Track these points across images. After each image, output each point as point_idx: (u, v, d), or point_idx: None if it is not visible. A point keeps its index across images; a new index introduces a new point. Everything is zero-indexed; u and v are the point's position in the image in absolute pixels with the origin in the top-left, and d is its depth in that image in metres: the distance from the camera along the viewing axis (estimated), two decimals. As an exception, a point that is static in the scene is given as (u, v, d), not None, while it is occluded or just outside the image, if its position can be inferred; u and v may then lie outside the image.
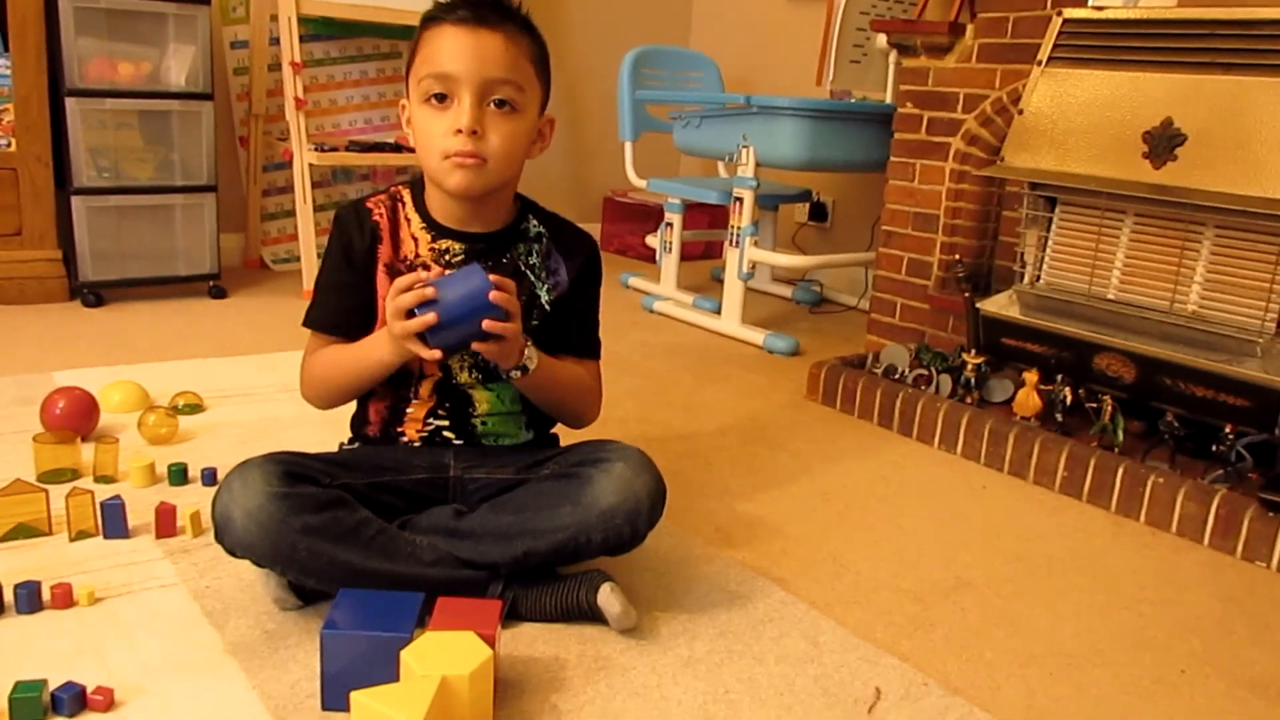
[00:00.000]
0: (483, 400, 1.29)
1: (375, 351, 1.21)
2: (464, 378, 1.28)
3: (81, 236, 2.57)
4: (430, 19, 1.20)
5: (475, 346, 1.15)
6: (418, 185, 1.28)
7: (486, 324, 1.11)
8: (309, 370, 1.28)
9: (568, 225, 1.35)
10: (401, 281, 1.14)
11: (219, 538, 1.12)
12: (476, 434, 1.30)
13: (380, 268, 1.26)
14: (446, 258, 1.26)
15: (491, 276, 1.13)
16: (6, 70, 2.45)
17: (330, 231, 1.28)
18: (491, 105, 1.18)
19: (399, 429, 1.29)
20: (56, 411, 1.64)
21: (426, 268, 1.25)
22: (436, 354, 1.13)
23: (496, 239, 1.28)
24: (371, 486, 1.21)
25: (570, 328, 1.32)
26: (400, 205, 1.28)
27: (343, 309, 1.27)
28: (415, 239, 1.26)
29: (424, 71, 1.18)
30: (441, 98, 1.17)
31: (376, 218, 1.26)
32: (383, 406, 1.30)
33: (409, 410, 1.29)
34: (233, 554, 1.12)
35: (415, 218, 1.27)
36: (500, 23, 1.18)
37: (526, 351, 1.20)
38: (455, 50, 1.16)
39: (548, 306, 1.30)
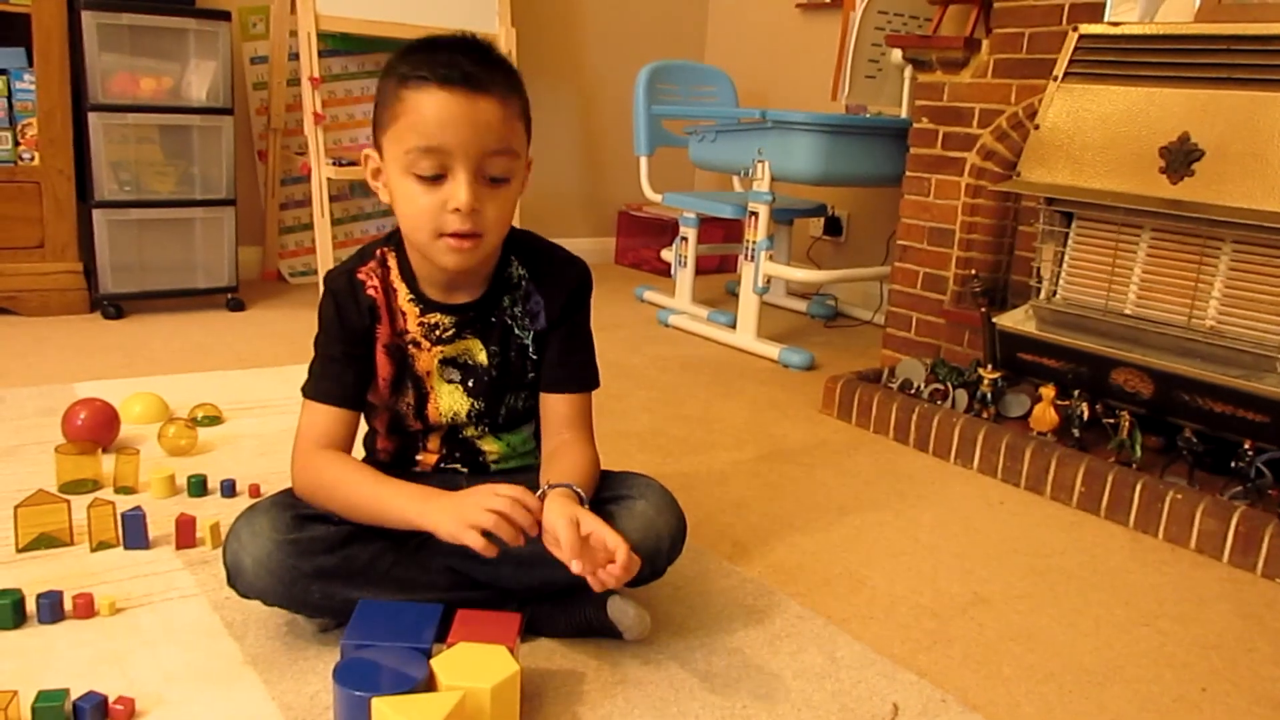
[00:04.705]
0: (493, 449, 1.28)
1: (408, 516, 1.09)
2: (470, 431, 1.26)
3: (102, 249, 2.60)
4: (410, 78, 1.08)
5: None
6: (400, 246, 1.21)
7: None
8: (314, 471, 1.15)
9: (552, 260, 1.26)
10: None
11: (231, 583, 1.11)
12: (490, 470, 1.28)
13: (380, 348, 1.20)
14: (437, 333, 1.20)
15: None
16: (31, 86, 2.49)
17: (323, 301, 1.20)
18: (486, 180, 1.09)
19: (411, 459, 1.29)
20: (78, 423, 1.66)
21: (417, 345, 1.20)
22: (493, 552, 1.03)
23: (483, 304, 1.22)
24: None
25: (557, 358, 1.25)
26: (388, 272, 1.21)
27: (347, 383, 1.19)
28: (404, 313, 1.20)
29: (411, 142, 1.08)
30: (435, 176, 1.08)
31: (371, 292, 1.19)
32: (390, 447, 1.28)
33: (419, 457, 1.28)
34: (246, 597, 1.12)
35: (402, 288, 1.20)
36: (492, 84, 1.08)
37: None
38: (449, 121, 1.06)
39: (534, 357, 1.25)
